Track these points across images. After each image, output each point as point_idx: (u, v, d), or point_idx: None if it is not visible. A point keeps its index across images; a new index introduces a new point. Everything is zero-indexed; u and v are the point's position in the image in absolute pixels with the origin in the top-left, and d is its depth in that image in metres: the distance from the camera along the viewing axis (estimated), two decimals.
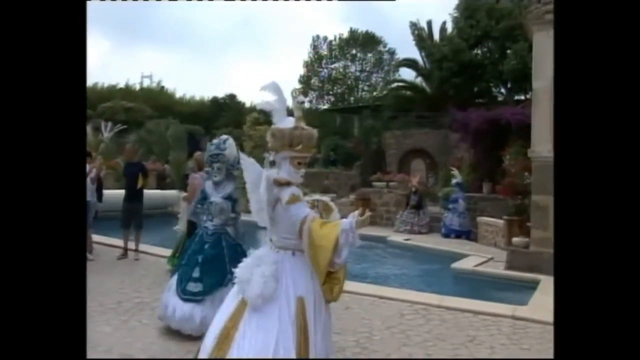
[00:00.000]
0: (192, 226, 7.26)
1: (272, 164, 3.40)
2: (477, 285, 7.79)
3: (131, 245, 8.76)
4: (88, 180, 8.22)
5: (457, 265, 9.04)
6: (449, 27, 22.89)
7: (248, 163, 3.40)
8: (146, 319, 5.40)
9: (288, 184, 3.23)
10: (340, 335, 4.88)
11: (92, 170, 8.35)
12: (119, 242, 9.04)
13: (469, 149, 16.48)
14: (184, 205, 7.63)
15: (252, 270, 3.17)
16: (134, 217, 8.73)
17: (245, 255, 4.84)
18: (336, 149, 22.67)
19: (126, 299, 6.15)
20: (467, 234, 12.81)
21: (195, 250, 5.10)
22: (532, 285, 7.48)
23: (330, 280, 3.10)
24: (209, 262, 4.97)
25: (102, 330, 4.98)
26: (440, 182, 17.08)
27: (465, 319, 5.72)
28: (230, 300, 3.29)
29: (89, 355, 4.20)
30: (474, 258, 9.65)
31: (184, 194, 7.52)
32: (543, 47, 8.53)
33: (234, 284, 3.31)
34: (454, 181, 13.61)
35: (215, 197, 5.16)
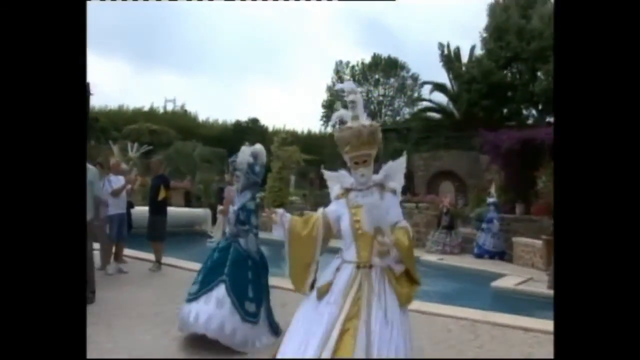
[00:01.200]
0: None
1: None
2: (519, 305, 7.52)
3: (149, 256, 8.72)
4: (124, 193, 8.23)
5: (497, 284, 8.79)
6: (478, 47, 22.86)
7: (329, 175, 3.51)
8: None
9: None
10: None
11: (126, 185, 8.33)
12: (148, 256, 8.97)
13: (499, 170, 16.28)
14: (220, 218, 7.57)
15: None
16: (151, 230, 8.60)
17: (253, 268, 4.88)
18: None
19: (162, 310, 6.04)
20: (501, 255, 12.53)
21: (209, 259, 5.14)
22: None
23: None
24: (211, 267, 4.98)
25: (144, 339, 4.89)
26: (471, 203, 16.83)
27: (516, 335, 5.48)
28: None
29: None
30: (512, 277, 9.38)
31: (221, 207, 7.46)
32: None
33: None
34: (489, 200, 13.38)
35: (234, 207, 5.13)
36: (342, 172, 3.39)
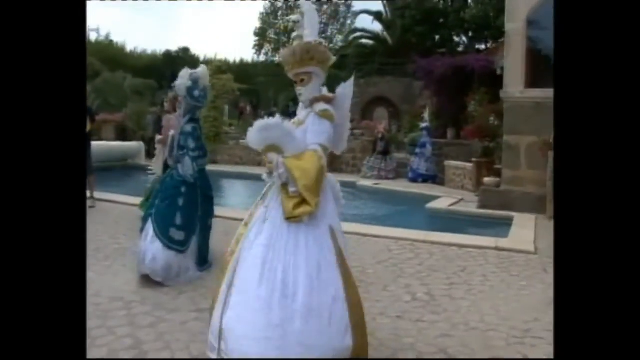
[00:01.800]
0: (166, 169, 7.03)
1: None
2: (453, 224, 7.91)
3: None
4: None
5: (431, 205, 9.18)
6: None
7: None
8: (130, 263, 5.22)
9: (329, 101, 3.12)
10: None
11: None
12: None
13: (432, 96, 16.59)
14: (159, 148, 7.32)
15: None
16: None
17: (187, 195, 4.79)
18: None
19: (104, 245, 5.93)
20: (434, 178, 13.01)
21: None
22: (506, 222, 7.69)
23: None
24: (150, 201, 5.10)
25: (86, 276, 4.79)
26: (404, 129, 17.18)
27: (452, 252, 5.82)
28: None
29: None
30: (445, 199, 9.81)
31: (159, 137, 7.21)
32: None
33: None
34: (422, 125, 13.71)
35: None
36: None
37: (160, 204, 4.87)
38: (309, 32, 3.07)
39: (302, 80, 3.02)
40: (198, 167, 4.91)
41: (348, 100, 3.25)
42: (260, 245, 2.77)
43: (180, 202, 4.83)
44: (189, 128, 4.92)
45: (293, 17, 3.24)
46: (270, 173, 2.94)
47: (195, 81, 4.93)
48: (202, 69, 5.08)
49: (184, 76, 4.94)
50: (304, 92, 3.04)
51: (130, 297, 4.24)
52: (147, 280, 4.61)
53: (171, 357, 3.21)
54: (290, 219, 2.77)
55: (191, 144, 4.88)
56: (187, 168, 4.85)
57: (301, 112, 3.14)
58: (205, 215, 5.05)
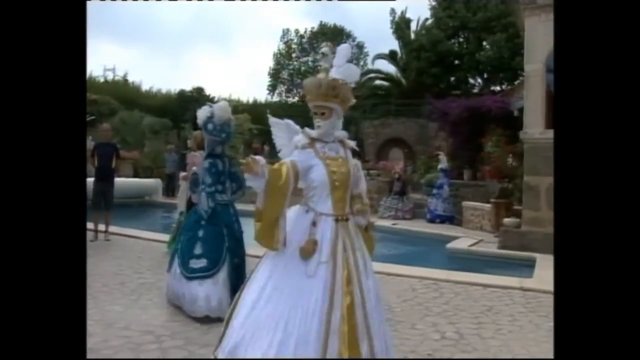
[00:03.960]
0: (191, 206, 7.12)
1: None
2: (474, 264, 7.87)
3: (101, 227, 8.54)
4: None
5: (451, 245, 9.15)
6: (427, 16, 23.03)
7: (275, 122, 3.37)
8: (156, 298, 5.25)
9: (303, 133, 3.13)
10: None
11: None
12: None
13: (447, 137, 16.71)
14: (183, 185, 7.44)
15: None
16: (106, 198, 8.50)
17: (206, 227, 4.80)
18: None
19: (129, 279, 5.97)
20: (452, 219, 12.99)
21: None
22: (527, 263, 7.64)
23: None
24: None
25: (113, 310, 4.81)
26: (419, 170, 17.25)
27: (476, 291, 5.78)
28: None
29: (109, 330, 4.13)
30: (465, 239, 9.77)
31: (183, 174, 7.34)
32: (535, 30, 8.73)
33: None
34: (439, 167, 13.76)
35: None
36: (288, 121, 3.35)
37: (183, 239, 4.94)
38: (336, 69, 3.16)
39: (323, 114, 3.06)
40: (216, 202, 4.91)
41: None
42: None
43: (201, 233, 4.83)
44: (206, 164, 4.98)
45: (323, 49, 3.32)
46: None
47: (210, 116, 4.95)
48: (220, 104, 5.12)
49: (203, 111, 5.00)
50: (323, 126, 3.06)
51: (159, 331, 4.25)
52: (176, 315, 4.63)
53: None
54: None
55: (207, 179, 4.92)
56: (202, 204, 4.91)
57: (329, 146, 3.15)
58: (232, 252, 4.88)
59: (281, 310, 2.72)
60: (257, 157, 2.88)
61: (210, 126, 4.95)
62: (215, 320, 4.42)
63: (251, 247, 5.47)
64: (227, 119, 5.05)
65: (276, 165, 2.92)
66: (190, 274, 4.66)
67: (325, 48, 3.28)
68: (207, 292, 4.60)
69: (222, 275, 4.71)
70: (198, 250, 4.74)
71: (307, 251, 2.84)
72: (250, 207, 3.20)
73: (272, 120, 3.44)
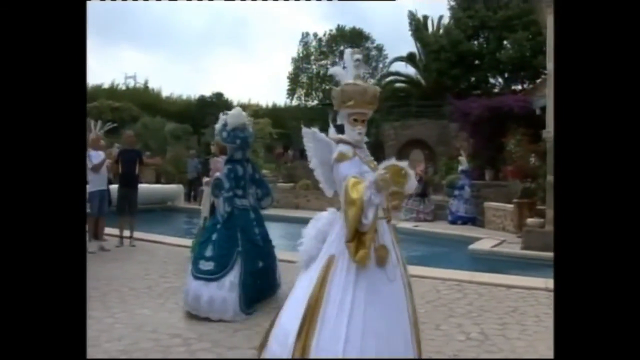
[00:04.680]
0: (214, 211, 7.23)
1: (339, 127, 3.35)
2: (497, 265, 7.84)
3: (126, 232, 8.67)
4: (104, 169, 8.12)
5: (474, 246, 9.12)
6: (446, 17, 22.91)
7: (306, 132, 3.34)
8: (182, 302, 5.33)
9: (341, 141, 3.16)
10: None
11: (105, 160, 8.21)
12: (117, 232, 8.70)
13: (468, 138, 16.61)
14: (206, 190, 7.55)
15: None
16: (131, 204, 8.64)
17: (221, 230, 4.87)
18: None
19: (155, 283, 6.08)
20: (473, 220, 12.92)
21: None
22: (552, 263, 7.49)
23: (357, 242, 2.87)
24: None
25: (142, 313, 4.92)
26: (441, 171, 17.19)
27: (500, 292, 5.76)
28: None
29: (138, 333, 4.22)
30: (487, 240, 9.73)
31: (207, 179, 7.45)
32: None
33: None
34: (460, 168, 13.73)
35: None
36: (314, 130, 3.29)
37: (200, 240, 5.13)
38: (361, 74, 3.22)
39: (364, 121, 3.13)
40: (234, 207, 5.00)
41: None
42: None
43: (214, 237, 4.96)
44: (225, 169, 5.14)
45: (357, 56, 3.37)
46: None
47: (224, 124, 5.11)
48: (233, 111, 5.24)
49: (220, 120, 5.19)
50: (363, 132, 3.14)
51: (187, 334, 4.33)
52: (203, 319, 4.71)
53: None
54: None
55: (225, 184, 5.04)
56: (219, 208, 5.04)
57: (363, 152, 3.22)
58: (249, 259, 4.90)
59: (378, 316, 2.80)
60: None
61: (224, 134, 5.13)
62: (229, 322, 4.60)
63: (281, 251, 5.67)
64: (239, 125, 5.16)
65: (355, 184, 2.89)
66: (197, 274, 4.81)
67: (358, 55, 3.31)
68: (211, 294, 4.72)
69: (230, 279, 4.78)
70: (209, 252, 4.88)
71: (383, 257, 2.88)
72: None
73: (304, 131, 3.43)
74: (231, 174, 5.07)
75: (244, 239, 4.97)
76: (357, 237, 2.84)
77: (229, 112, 5.21)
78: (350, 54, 3.28)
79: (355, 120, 3.11)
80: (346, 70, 3.28)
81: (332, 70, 3.50)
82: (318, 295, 2.88)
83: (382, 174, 2.72)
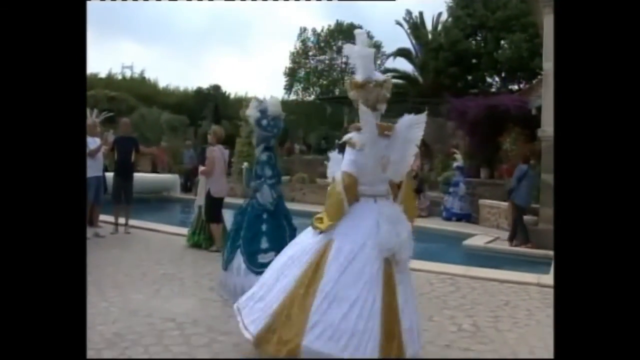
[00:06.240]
0: (209, 200, 7.24)
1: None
2: (490, 261, 7.87)
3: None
4: (100, 155, 8.11)
5: (468, 242, 9.18)
6: (444, 15, 22.89)
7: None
8: (177, 288, 5.36)
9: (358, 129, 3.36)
10: None
11: (101, 146, 8.20)
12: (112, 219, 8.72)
13: (464, 136, 16.64)
14: (202, 180, 7.57)
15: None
16: (126, 192, 8.60)
17: (269, 220, 4.88)
18: (327, 138, 22.66)
19: (150, 270, 6.09)
20: (468, 217, 12.95)
21: None
22: (544, 260, 7.61)
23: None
24: (234, 231, 5.10)
25: (136, 298, 4.94)
26: (436, 168, 17.22)
27: (493, 286, 5.81)
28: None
29: (133, 318, 4.24)
30: (481, 237, 9.78)
31: (203, 168, 7.46)
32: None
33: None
34: (455, 164, 13.76)
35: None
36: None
37: (246, 235, 4.90)
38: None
39: None
40: (277, 194, 5.04)
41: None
42: None
43: (264, 227, 4.90)
44: (264, 157, 5.06)
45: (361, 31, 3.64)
46: None
47: (263, 111, 5.02)
48: (271, 100, 5.18)
49: (253, 107, 5.07)
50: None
51: (181, 318, 4.35)
52: (197, 304, 4.73)
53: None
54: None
55: (268, 172, 5.02)
56: (266, 196, 4.96)
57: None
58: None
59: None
60: None
61: (264, 122, 5.02)
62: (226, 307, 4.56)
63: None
64: (279, 114, 5.14)
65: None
66: (260, 269, 4.55)
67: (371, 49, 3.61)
68: None
69: None
70: (264, 244, 4.82)
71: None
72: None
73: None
74: (271, 161, 5.08)
75: (288, 225, 5.04)
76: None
77: (268, 101, 5.14)
78: (359, 34, 3.65)
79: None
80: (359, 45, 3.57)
81: (347, 48, 3.81)
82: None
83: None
